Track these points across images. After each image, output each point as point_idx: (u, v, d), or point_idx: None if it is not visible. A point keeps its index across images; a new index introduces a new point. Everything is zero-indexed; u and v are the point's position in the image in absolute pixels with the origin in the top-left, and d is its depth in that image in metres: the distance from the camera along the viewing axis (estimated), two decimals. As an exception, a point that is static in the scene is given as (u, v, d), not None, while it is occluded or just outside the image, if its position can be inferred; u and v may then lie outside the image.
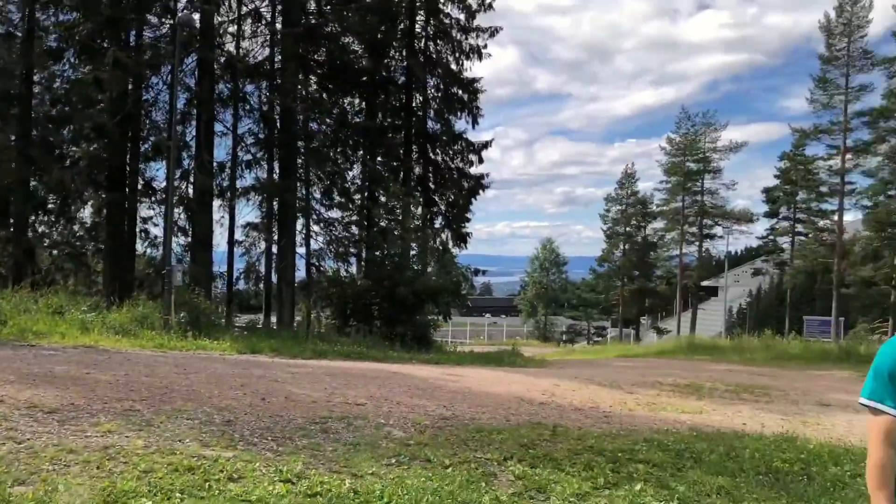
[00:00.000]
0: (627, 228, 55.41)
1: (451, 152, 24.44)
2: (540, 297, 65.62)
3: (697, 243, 51.27)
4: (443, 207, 24.87)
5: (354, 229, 24.04)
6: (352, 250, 23.72)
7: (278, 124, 22.07)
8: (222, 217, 22.72)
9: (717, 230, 50.89)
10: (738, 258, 71.21)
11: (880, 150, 39.10)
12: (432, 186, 24.67)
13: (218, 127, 22.04)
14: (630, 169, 56.34)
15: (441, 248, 23.14)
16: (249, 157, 22.67)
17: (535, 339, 59.19)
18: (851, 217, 44.76)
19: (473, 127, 24.51)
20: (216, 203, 22.34)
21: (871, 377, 2.32)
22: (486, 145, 24.65)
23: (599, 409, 9.16)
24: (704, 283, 57.25)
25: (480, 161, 24.62)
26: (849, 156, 40.46)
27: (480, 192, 24.66)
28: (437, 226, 24.48)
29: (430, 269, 21.22)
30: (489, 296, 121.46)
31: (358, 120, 23.80)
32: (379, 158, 24.06)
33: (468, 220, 25.12)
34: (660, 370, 15.87)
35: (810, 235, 45.38)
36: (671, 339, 32.41)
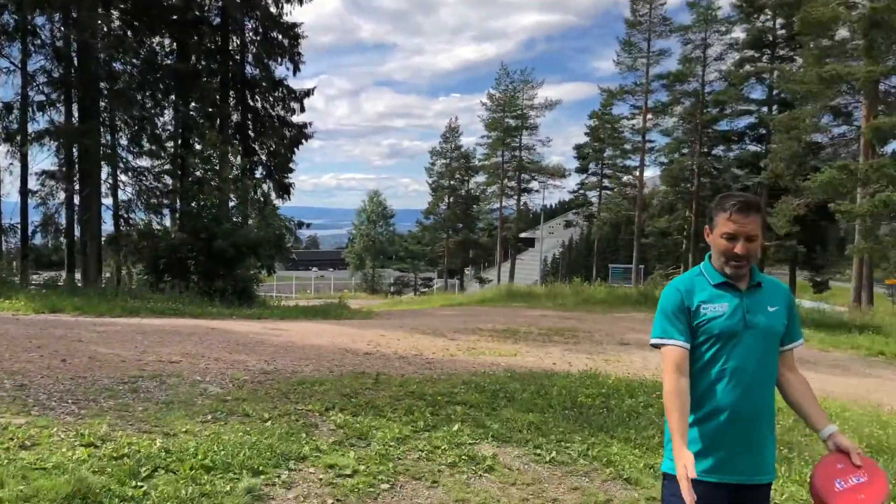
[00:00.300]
0: (452, 182, 56.68)
1: (271, 99, 23.48)
2: (368, 250, 65.86)
3: (516, 197, 53.62)
4: (264, 157, 23.95)
5: (167, 179, 22.53)
6: (165, 201, 22.22)
7: (76, 62, 19.97)
8: (11, 164, 20.38)
9: (534, 184, 53.50)
10: (553, 211, 75.48)
11: (676, 111, 42.75)
12: (252, 135, 23.63)
13: (3, 63, 19.61)
14: (454, 123, 57.48)
15: (262, 199, 22.33)
16: (42, 97, 20.34)
17: (363, 291, 59.51)
18: (651, 173, 48.94)
19: (295, 74, 23.67)
20: (2, 148, 20.00)
21: (657, 319, 2.52)
22: (308, 93, 23.93)
23: (423, 356, 9.38)
24: (523, 235, 60.33)
25: (303, 109, 23.90)
26: (649, 116, 43.86)
27: (304, 141, 24.00)
28: (258, 176, 23.56)
29: (251, 222, 20.46)
30: (316, 249, 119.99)
31: (169, 62, 22.09)
32: (193, 104, 22.55)
33: (291, 170, 24.43)
34: (481, 317, 16.54)
35: (615, 190, 48.95)
36: (492, 288, 33.82)
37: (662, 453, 2.60)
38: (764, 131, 39.16)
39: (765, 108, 39.29)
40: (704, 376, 2.44)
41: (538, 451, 5.23)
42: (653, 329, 2.53)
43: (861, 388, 9.60)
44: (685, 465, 2.24)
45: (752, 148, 41.12)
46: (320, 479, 4.25)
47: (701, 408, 2.42)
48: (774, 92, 37.93)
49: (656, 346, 2.50)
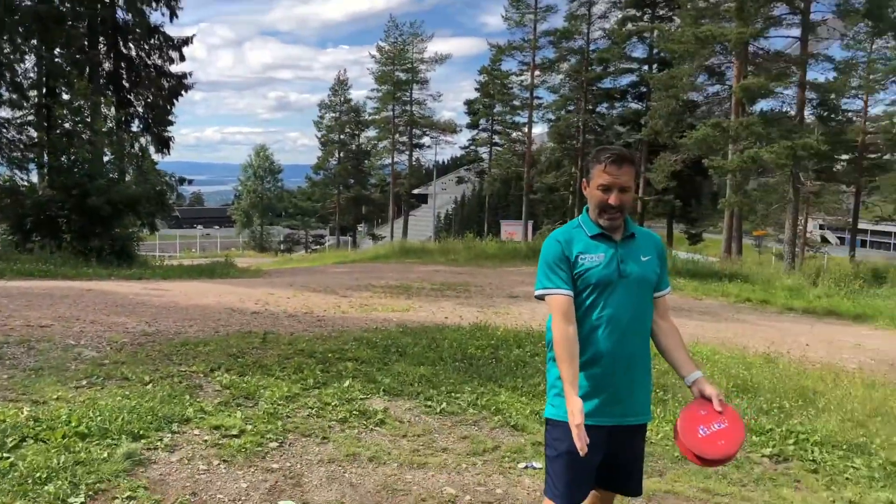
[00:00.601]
0: (342, 136, 55.67)
1: (146, 48, 22.05)
2: (255, 207, 63.93)
3: (408, 152, 53.39)
4: (140, 109, 22.57)
5: (32, 131, 20.83)
6: (30, 155, 20.58)
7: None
8: None
9: (426, 140, 53.39)
10: (446, 167, 75.81)
11: (562, 68, 43.57)
12: (127, 85, 22.17)
13: None
14: (343, 76, 56.19)
15: (140, 153, 21.07)
16: None
17: (251, 250, 57.94)
18: (539, 129, 49.77)
19: (172, 20, 22.24)
20: None
21: (540, 270, 2.57)
22: (187, 41, 22.62)
23: (313, 313, 9.26)
24: (415, 191, 60.27)
25: (182, 59, 22.62)
26: (537, 72, 44.47)
27: (183, 92, 22.77)
28: (134, 129, 22.22)
29: (128, 177, 19.34)
30: (201, 206, 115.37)
31: (29, 3, 20.23)
32: (59, 50, 20.84)
33: (171, 123, 23.17)
34: (374, 274, 16.49)
35: (505, 146, 49.62)
36: (386, 245, 33.77)
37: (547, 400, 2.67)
38: (645, 89, 40.64)
39: (646, 67, 40.70)
40: (583, 324, 2.50)
41: (429, 402, 5.31)
42: (536, 281, 2.57)
43: (729, 333, 10.29)
44: (574, 411, 2.32)
45: (634, 106, 42.65)
46: (205, 441, 4.14)
47: (581, 354, 2.47)
48: (654, 51, 39.34)
49: (541, 298, 2.55)
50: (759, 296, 15.06)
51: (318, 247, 56.64)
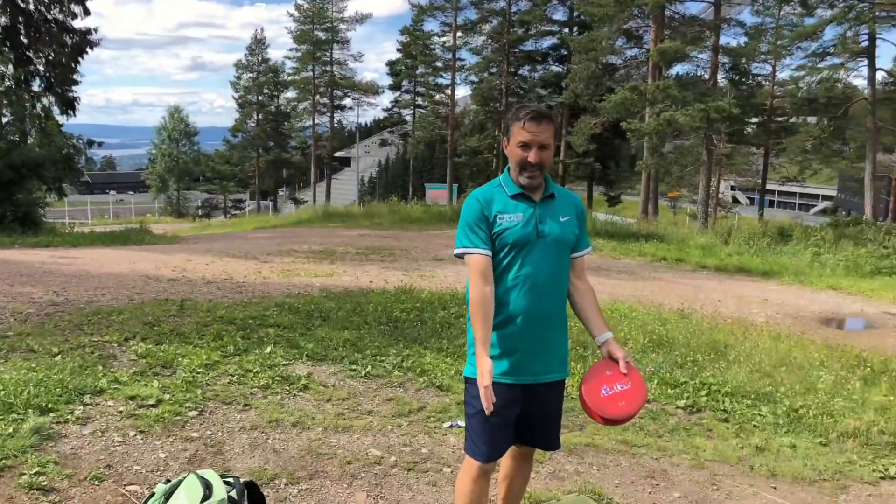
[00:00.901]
0: (260, 98, 54.00)
1: (46, 1, 20.67)
2: (171, 171, 61.56)
3: (329, 114, 52.32)
4: (42, 68, 21.19)
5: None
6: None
7: None
8: None
9: (348, 101, 52.33)
10: (369, 129, 74.68)
11: (484, 30, 43.35)
12: (25, 41, 20.74)
13: None
14: (260, 35, 54.25)
15: (43, 115, 19.89)
16: None
17: (168, 215, 55.88)
18: (462, 92, 49.56)
19: (73, -29, 20.88)
20: None
21: (460, 230, 2.55)
22: (91, -5, 21.30)
23: (233, 280, 9.05)
24: (338, 154, 59.22)
25: (87, 13, 21.25)
26: (459, 34, 44.10)
27: (88, 50, 21.46)
28: (35, 89, 20.91)
29: (30, 140, 18.28)
30: (113, 171, 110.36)
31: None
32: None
33: (76, 82, 21.84)
34: (296, 239, 16.21)
35: (428, 108, 49.23)
36: (308, 209, 33.14)
37: None
38: (565, 52, 40.95)
39: (566, 30, 40.96)
40: (501, 284, 2.50)
41: (354, 366, 5.28)
42: (456, 240, 2.56)
43: (646, 290, 10.63)
44: (483, 372, 2.34)
45: (555, 68, 42.92)
46: (120, 412, 4.00)
47: (498, 314, 2.48)
48: (575, 14, 39.54)
49: (460, 257, 2.54)
50: (674, 255, 15.60)
51: (237, 212, 55.16)
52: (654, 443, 4.45)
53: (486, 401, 2.32)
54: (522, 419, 2.57)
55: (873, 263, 14.96)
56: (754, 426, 4.90)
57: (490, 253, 2.49)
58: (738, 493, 3.78)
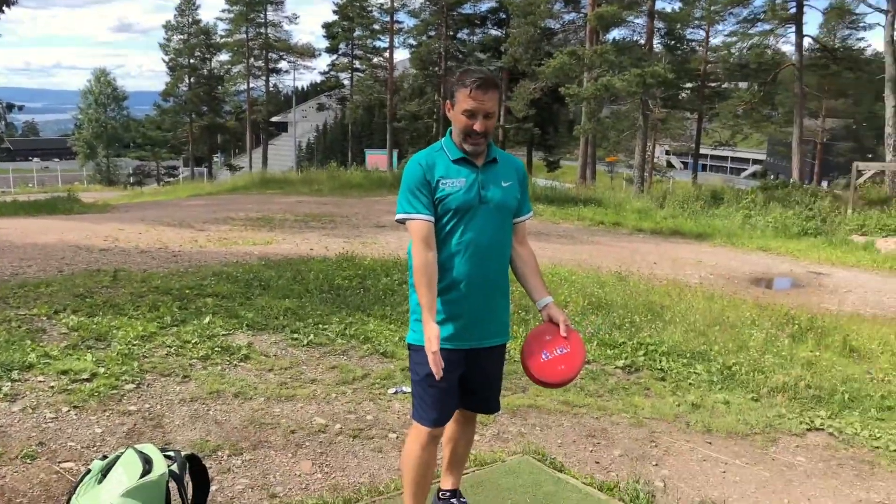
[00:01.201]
0: (192, 60, 52.10)
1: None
2: (99, 137, 59.02)
3: (264, 78, 50.95)
4: (-48, 26, 20.02)
5: None
6: None
7: None
8: None
9: (283, 65, 51.00)
10: (305, 93, 73.20)
11: (423, -9, 42.68)
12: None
13: None
14: (191, -5, 52.24)
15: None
16: None
17: (97, 183, 53.79)
18: (401, 55, 48.91)
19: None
20: None
21: (401, 195, 2.50)
22: (6, -51, 20.07)
23: (168, 249, 8.80)
24: (274, 119, 57.86)
25: (1, -31, 20.09)
26: (398, -4, 43.34)
27: (4, 8, 20.34)
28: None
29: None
30: (36, 137, 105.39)
31: None
32: None
33: (-8, 43, 20.77)
34: (232, 206, 15.83)
35: (366, 72, 48.45)
36: (244, 176, 32.39)
37: None
38: (504, 16, 40.72)
39: (505, -7, 40.70)
40: (444, 249, 2.49)
41: (295, 335, 5.21)
42: (398, 205, 2.52)
43: (585, 254, 10.81)
44: (430, 338, 2.34)
45: (494, 32, 42.71)
46: (52, 387, 3.86)
47: (441, 280, 2.47)
48: (514, -23, 39.29)
49: (402, 222, 2.50)
50: (611, 218, 15.89)
51: (171, 179, 53.49)
52: (594, 403, 4.55)
53: (436, 366, 2.32)
54: (464, 384, 2.59)
55: (800, 225, 15.55)
56: (690, 384, 5.06)
57: (432, 218, 2.46)
58: (676, 449, 3.91)
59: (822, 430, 4.35)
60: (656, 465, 3.70)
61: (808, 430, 4.34)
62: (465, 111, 2.45)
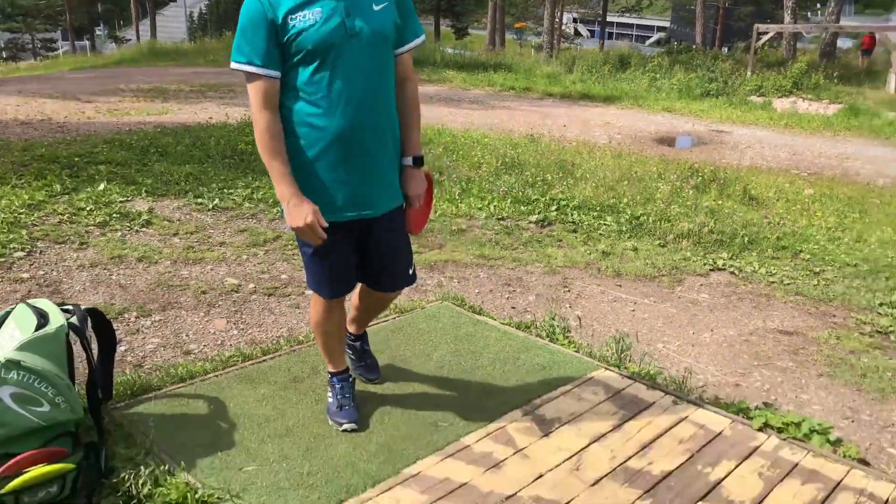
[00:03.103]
0: (61, -82, 46.79)
1: None
2: (-40, 7, 53.23)
3: (147, -61, 46.46)
4: None
5: None
6: None
7: None
8: None
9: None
10: (193, -42, 67.43)
11: None
12: None
13: None
14: None
15: None
16: None
17: (-36, 59, 48.97)
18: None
19: None
20: None
21: (237, 39, 2.01)
22: None
23: (52, 121, 8.14)
24: (160, -14, 53.38)
25: None
26: None
27: None
28: None
29: None
30: None
31: None
32: None
33: None
34: (122, 78, 14.70)
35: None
36: (132, 48, 30.03)
37: None
38: None
39: None
40: (307, 104, 2.02)
41: (199, 200, 4.98)
42: (233, 52, 2.01)
43: (496, 119, 10.70)
44: (297, 215, 1.99)
45: None
46: (-69, 260, 3.56)
47: (308, 144, 2.05)
48: None
49: (239, 71, 2.01)
50: (521, 84, 15.73)
51: (50, 53, 49.20)
52: (509, 255, 4.59)
53: (315, 238, 2.02)
54: (364, 260, 2.27)
55: (702, 87, 15.86)
56: (600, 234, 5.18)
57: (272, 72, 1.98)
58: (588, 293, 4.02)
59: (724, 269, 4.56)
60: (570, 306, 3.80)
61: (711, 270, 4.54)
62: None
